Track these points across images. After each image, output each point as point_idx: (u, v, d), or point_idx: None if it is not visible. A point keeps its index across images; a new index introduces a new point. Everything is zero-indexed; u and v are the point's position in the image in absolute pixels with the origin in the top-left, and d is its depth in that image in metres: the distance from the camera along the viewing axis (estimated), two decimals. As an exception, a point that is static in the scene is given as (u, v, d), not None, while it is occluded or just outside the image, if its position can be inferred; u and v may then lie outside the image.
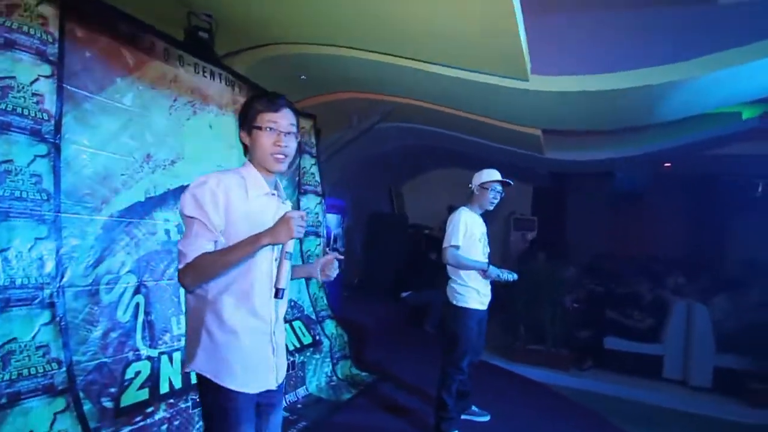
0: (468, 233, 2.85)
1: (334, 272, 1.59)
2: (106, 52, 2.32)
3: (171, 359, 2.36)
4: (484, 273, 2.83)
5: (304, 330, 3.52)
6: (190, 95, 2.82)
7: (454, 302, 2.87)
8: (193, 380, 2.14)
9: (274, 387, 1.45)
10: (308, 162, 4.04)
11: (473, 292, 2.85)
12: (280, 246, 1.34)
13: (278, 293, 1.34)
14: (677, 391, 4.84)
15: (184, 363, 1.42)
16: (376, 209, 8.06)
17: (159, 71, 2.62)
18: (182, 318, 2.48)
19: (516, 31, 2.79)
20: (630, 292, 5.69)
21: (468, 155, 6.87)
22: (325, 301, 4.00)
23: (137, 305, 2.27)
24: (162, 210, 2.52)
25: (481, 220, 2.97)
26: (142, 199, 2.41)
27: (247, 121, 1.43)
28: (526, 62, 3.12)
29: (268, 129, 1.39)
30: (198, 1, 3.02)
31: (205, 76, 2.96)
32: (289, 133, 1.42)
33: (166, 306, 2.43)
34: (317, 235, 4.04)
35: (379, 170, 7.71)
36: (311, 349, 3.48)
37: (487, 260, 2.92)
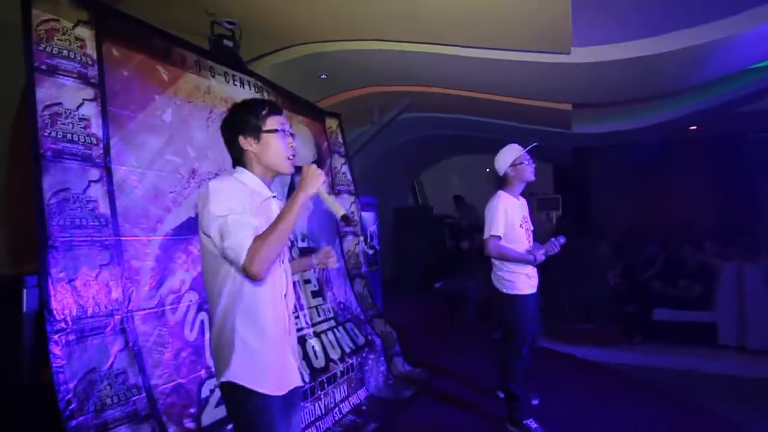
0: (509, 221, 2.72)
1: (333, 263, 1.66)
2: (142, 69, 2.29)
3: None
4: (534, 262, 2.70)
5: (356, 331, 3.48)
6: (224, 105, 2.76)
7: (504, 290, 2.76)
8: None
9: (300, 383, 1.45)
10: (338, 162, 3.98)
11: (522, 277, 2.74)
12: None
13: (345, 220, 1.39)
14: (736, 357, 4.70)
15: (217, 376, 1.36)
16: (400, 203, 7.99)
17: (193, 84, 2.57)
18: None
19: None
20: (672, 260, 5.55)
21: (487, 139, 6.76)
22: (371, 300, 3.95)
23: (202, 322, 2.24)
24: (212, 224, 2.47)
25: (521, 202, 2.84)
26: (193, 215, 2.37)
27: (251, 127, 1.38)
28: (570, 33, 2.98)
29: (281, 131, 1.39)
30: (221, 10, 2.97)
31: (236, 85, 2.91)
32: (293, 133, 1.45)
33: (229, 320, 2.39)
34: (355, 234, 3.99)
35: (398, 163, 7.63)
36: (366, 349, 3.43)
37: (530, 245, 2.78)
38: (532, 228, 2.89)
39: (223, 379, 1.31)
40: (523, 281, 2.75)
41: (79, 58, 1.97)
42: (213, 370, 2.17)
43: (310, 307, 3.01)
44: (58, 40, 1.91)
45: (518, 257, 2.70)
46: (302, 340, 2.82)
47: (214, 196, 1.26)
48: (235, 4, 2.95)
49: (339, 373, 2.97)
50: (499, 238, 2.70)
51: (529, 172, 2.75)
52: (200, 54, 2.67)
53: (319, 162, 3.67)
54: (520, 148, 2.78)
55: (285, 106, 3.32)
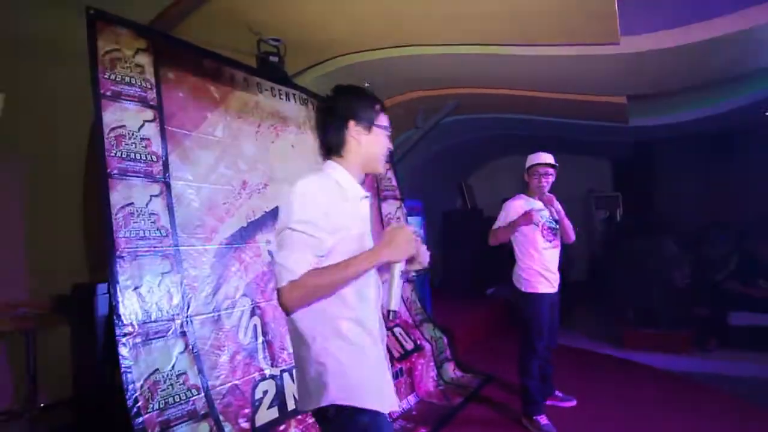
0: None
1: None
2: (196, 89, 2.45)
3: (292, 377, 2.41)
4: (526, 221, 2.75)
5: (405, 336, 3.48)
6: (272, 119, 2.89)
7: (522, 288, 2.87)
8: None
9: (397, 408, 1.35)
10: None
11: (537, 275, 2.83)
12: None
13: (389, 315, 1.22)
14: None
15: (306, 402, 1.22)
16: (448, 207, 7.90)
17: (242, 100, 2.71)
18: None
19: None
20: (749, 259, 5.06)
21: (538, 138, 6.54)
22: (420, 305, 3.95)
23: (255, 326, 2.34)
24: (263, 232, 2.59)
25: (539, 204, 2.90)
26: (245, 224, 2.50)
27: (366, 118, 1.30)
28: (616, 22, 2.86)
29: (388, 129, 1.34)
30: (266, 28, 3.11)
31: (282, 99, 3.03)
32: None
33: (280, 324, 2.49)
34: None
35: (446, 166, 7.57)
36: (415, 354, 3.42)
37: (549, 244, 2.88)
38: (554, 227, 2.93)
39: (323, 404, 1.17)
40: (540, 280, 2.85)
41: (139, 83, 2.15)
42: (266, 373, 2.29)
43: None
44: (120, 67, 2.09)
45: (506, 226, 2.82)
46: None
47: (296, 202, 1.16)
48: (279, 21, 3.08)
49: (388, 378, 2.99)
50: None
51: (536, 183, 2.86)
52: (247, 71, 2.82)
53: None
54: (538, 158, 2.87)
55: (329, 115, 3.41)
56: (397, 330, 3.44)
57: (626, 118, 5.10)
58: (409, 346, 3.43)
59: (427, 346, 3.59)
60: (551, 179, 2.85)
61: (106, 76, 2.03)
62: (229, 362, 2.16)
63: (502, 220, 2.90)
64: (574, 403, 3.16)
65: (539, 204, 2.88)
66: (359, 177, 1.35)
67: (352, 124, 1.29)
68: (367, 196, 1.34)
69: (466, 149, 7.18)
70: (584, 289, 7.12)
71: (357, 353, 1.22)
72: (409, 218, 4.32)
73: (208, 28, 3.00)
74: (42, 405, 2.35)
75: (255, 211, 2.58)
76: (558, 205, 2.84)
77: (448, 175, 8.17)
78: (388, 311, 1.22)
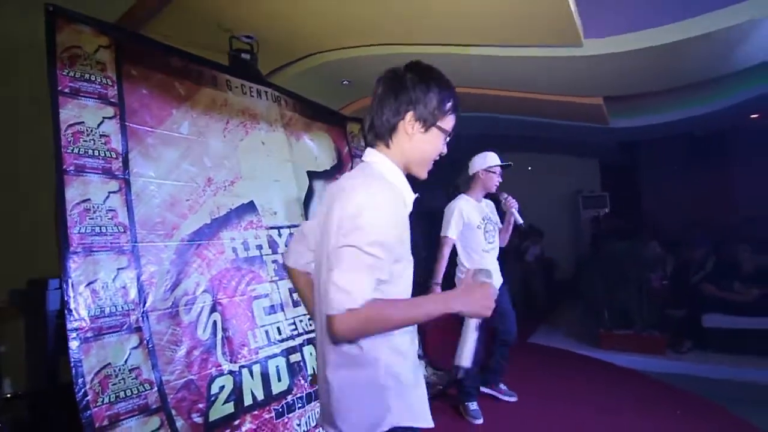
0: (466, 221, 2.93)
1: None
2: (160, 86, 2.45)
3: (251, 373, 2.44)
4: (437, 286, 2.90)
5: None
6: (241, 116, 2.90)
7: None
8: None
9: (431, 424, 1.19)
10: (360, 166, 4.04)
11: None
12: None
13: (458, 371, 1.12)
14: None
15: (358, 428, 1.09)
16: (437, 207, 7.92)
17: (209, 97, 2.72)
18: (258, 332, 2.56)
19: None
20: (726, 262, 5.11)
21: (523, 138, 6.57)
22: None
23: (215, 322, 2.37)
24: (227, 229, 2.60)
25: (483, 203, 3.07)
26: (208, 221, 2.51)
27: (429, 113, 1.12)
28: (577, 26, 2.89)
29: (449, 133, 1.19)
30: (238, 25, 3.12)
31: (252, 96, 3.04)
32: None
33: (242, 321, 2.51)
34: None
35: (433, 167, 7.58)
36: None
37: (490, 245, 2.98)
38: (496, 227, 3.08)
39: (385, 428, 1.05)
40: None
41: (99, 80, 2.16)
42: (224, 369, 2.31)
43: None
44: (80, 65, 2.10)
45: (439, 266, 2.94)
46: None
47: (367, 219, 0.99)
48: (252, 19, 3.09)
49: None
50: (451, 239, 2.94)
51: (494, 182, 2.99)
52: (217, 69, 2.83)
53: (340, 167, 3.75)
54: (497, 157, 3.03)
55: (302, 113, 3.43)
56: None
57: (606, 119, 5.12)
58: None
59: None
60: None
61: (64, 73, 2.03)
62: (185, 357, 2.18)
63: (452, 226, 2.93)
64: (514, 399, 3.29)
65: (484, 205, 3.05)
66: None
67: (410, 115, 1.12)
68: (417, 197, 1.19)
69: (451, 149, 7.19)
70: (568, 289, 7.18)
71: (413, 370, 1.14)
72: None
73: (179, 25, 3.01)
74: (7, 396, 2.37)
75: (220, 208, 2.59)
76: (516, 211, 2.93)
77: (437, 176, 8.16)
78: (458, 366, 1.12)
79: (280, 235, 2.92)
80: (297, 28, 3.31)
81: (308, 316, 2.90)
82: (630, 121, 5.47)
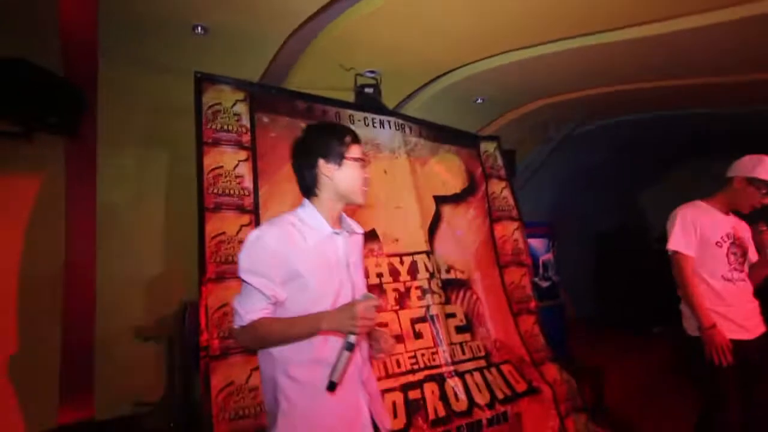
0: (700, 235, 2.19)
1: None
2: (287, 129, 2.70)
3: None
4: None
5: (517, 375, 3.09)
6: (366, 147, 2.99)
7: (690, 332, 2.23)
8: None
9: None
10: (497, 186, 3.74)
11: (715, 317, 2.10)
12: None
13: (331, 386, 1.19)
14: None
15: None
16: (604, 225, 6.85)
17: (332, 133, 2.89)
18: (375, 363, 2.50)
19: None
20: None
21: (723, 135, 5.20)
22: (543, 340, 3.47)
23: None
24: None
25: (727, 218, 2.26)
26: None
27: (335, 153, 1.34)
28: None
29: (362, 161, 1.37)
30: (363, 63, 3.29)
31: (375, 126, 3.12)
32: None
33: (360, 350, 2.49)
34: (520, 264, 3.62)
35: (598, 181, 6.61)
36: (528, 397, 3.00)
37: (731, 268, 2.16)
38: (742, 250, 2.21)
39: None
40: (720, 322, 2.09)
41: (236, 129, 2.49)
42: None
43: (452, 344, 2.85)
44: (220, 118, 2.46)
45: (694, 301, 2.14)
46: (440, 379, 2.68)
47: (244, 252, 1.26)
48: (375, 55, 3.23)
49: (486, 421, 2.68)
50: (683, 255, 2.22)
51: (754, 200, 2.16)
52: (340, 106, 3.00)
53: (472, 189, 3.54)
54: None
55: (428, 137, 3.37)
56: (505, 367, 3.08)
57: None
58: (521, 387, 3.02)
59: (547, 390, 3.11)
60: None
61: (208, 126, 2.41)
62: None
63: (679, 237, 2.23)
64: None
65: (728, 216, 2.26)
66: (336, 212, 1.39)
67: (321, 162, 1.34)
68: (337, 233, 1.36)
69: (622, 159, 6.16)
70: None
71: (312, 397, 1.25)
72: (531, 241, 3.90)
73: (312, 73, 3.33)
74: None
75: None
76: None
77: (607, 190, 7.11)
78: (330, 381, 1.19)
79: (401, 262, 2.85)
80: (418, 53, 3.31)
81: (432, 350, 2.74)
82: None
